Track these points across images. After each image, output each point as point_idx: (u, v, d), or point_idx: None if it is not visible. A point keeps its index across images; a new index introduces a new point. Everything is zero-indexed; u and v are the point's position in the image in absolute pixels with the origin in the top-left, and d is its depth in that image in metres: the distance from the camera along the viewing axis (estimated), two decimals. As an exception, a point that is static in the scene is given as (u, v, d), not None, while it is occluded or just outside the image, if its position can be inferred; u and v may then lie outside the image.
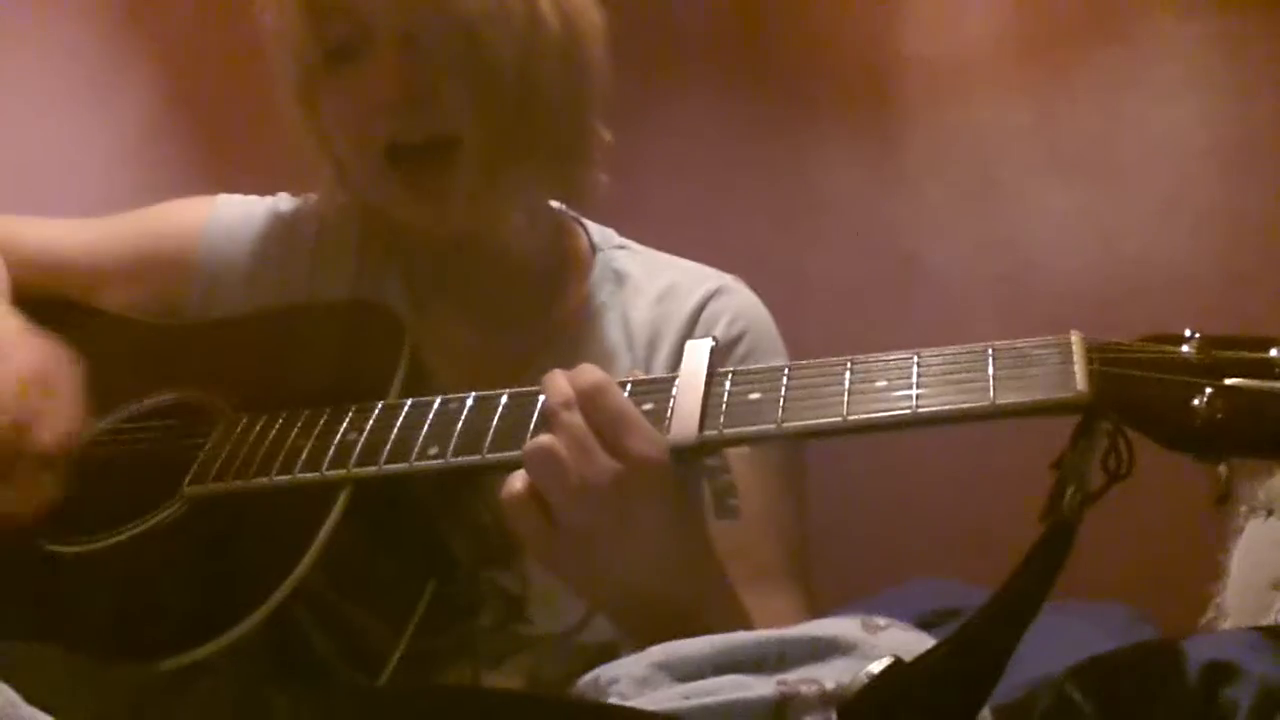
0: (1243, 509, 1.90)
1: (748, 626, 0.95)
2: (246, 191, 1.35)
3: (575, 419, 0.89)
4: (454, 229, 1.18)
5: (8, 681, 0.78)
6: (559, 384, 0.92)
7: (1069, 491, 0.76)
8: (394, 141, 1.12)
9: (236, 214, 1.29)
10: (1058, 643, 0.91)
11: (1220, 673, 0.79)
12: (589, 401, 0.89)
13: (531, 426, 0.93)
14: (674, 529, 0.91)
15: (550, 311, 1.24)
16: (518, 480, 0.90)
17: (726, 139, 2.45)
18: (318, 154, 1.21)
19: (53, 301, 1.22)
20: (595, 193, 1.24)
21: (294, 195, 1.33)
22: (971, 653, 0.76)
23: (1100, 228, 2.39)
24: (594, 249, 1.28)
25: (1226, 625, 1.82)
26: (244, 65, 2.35)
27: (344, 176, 1.20)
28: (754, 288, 1.28)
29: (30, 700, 0.79)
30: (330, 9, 1.12)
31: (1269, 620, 1.76)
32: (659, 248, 1.32)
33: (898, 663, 0.75)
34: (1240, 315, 2.17)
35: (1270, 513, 1.88)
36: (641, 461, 0.88)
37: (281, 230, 1.28)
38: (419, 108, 1.11)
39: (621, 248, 1.29)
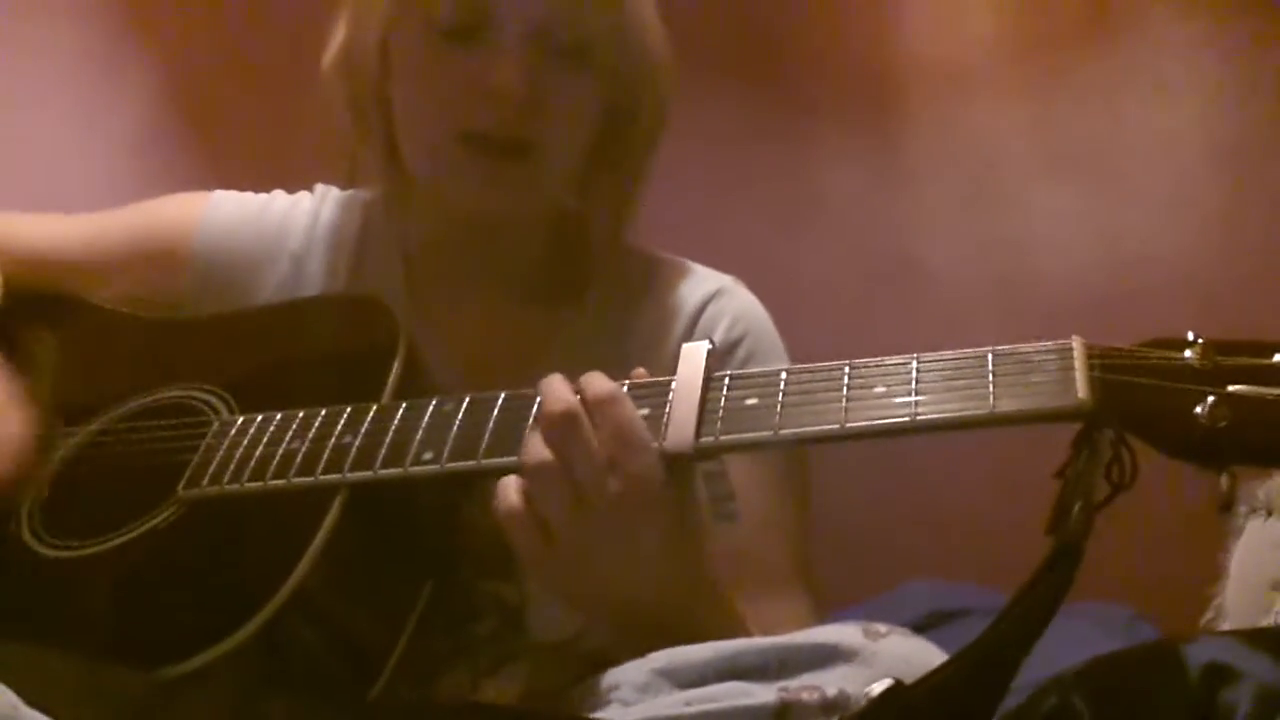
0: (1243, 509, 1.90)
1: (745, 634, 0.94)
2: (245, 191, 1.35)
3: (578, 432, 0.88)
4: (510, 219, 1.19)
5: (7, 684, 0.78)
6: (559, 391, 0.91)
7: (1075, 509, 0.75)
8: (478, 131, 1.13)
9: (232, 209, 1.29)
10: (1058, 644, 0.91)
11: (1220, 674, 0.79)
12: (599, 410, 0.88)
13: (528, 430, 0.93)
14: (672, 541, 0.90)
15: (551, 308, 1.24)
16: (513, 493, 0.89)
17: (725, 139, 2.45)
18: (368, 130, 1.20)
19: (46, 296, 1.22)
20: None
21: (290, 192, 1.33)
22: (976, 676, 0.75)
23: (1100, 228, 2.39)
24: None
25: (1226, 625, 1.82)
26: (244, 65, 2.36)
27: (392, 155, 1.20)
28: (753, 288, 1.28)
29: (30, 704, 0.78)
30: None
31: (1269, 621, 1.76)
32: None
33: (897, 685, 0.75)
34: (1241, 315, 2.16)
35: (1270, 513, 1.88)
36: (645, 479, 0.87)
37: (277, 225, 1.28)
38: (524, 109, 1.11)
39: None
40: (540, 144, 1.13)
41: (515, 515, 0.88)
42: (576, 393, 0.90)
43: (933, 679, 0.76)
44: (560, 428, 0.88)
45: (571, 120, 1.15)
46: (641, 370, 0.95)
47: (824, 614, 1.11)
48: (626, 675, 0.85)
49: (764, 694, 0.79)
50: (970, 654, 0.75)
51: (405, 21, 1.15)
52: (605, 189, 1.22)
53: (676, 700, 0.81)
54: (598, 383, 0.90)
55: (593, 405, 0.88)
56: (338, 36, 1.23)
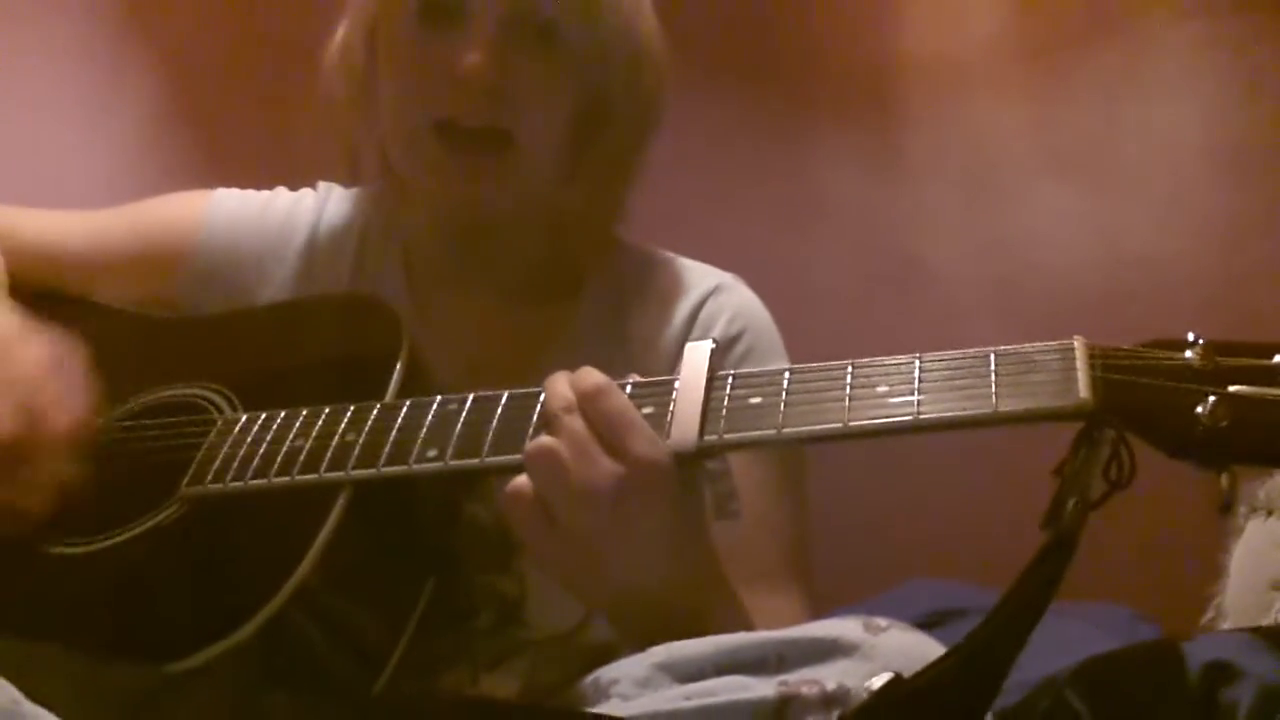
0: (1243, 509, 1.90)
1: (750, 630, 0.95)
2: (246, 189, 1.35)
3: (576, 422, 0.89)
4: (492, 213, 1.19)
5: (9, 679, 0.79)
6: (559, 387, 0.91)
7: (1070, 503, 0.75)
8: (450, 120, 1.13)
9: (234, 207, 1.29)
10: (1058, 643, 0.91)
11: (1220, 673, 0.79)
12: (589, 403, 0.89)
13: (530, 428, 0.93)
14: (675, 532, 0.90)
15: (549, 306, 1.24)
16: (519, 481, 0.90)
17: (725, 139, 2.45)
18: (363, 125, 1.21)
19: (48, 295, 1.22)
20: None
21: (292, 190, 1.33)
22: (972, 667, 0.75)
23: (1100, 228, 2.39)
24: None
25: (1226, 625, 1.83)
26: (244, 66, 2.36)
27: (386, 152, 1.20)
28: (754, 288, 1.28)
29: (32, 699, 0.79)
30: None
31: (1269, 620, 1.76)
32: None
33: (897, 679, 0.75)
34: (1241, 316, 2.17)
35: (1270, 513, 1.88)
36: (642, 463, 0.88)
37: (280, 223, 1.28)
38: (494, 96, 1.12)
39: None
40: (515, 134, 1.13)
41: (518, 501, 0.89)
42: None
43: (929, 672, 0.76)
44: (554, 421, 0.89)
45: (547, 108, 1.15)
46: (635, 375, 0.96)
47: (821, 612, 1.12)
48: (626, 669, 0.85)
49: (764, 688, 0.80)
50: (965, 648, 0.76)
51: (389, 10, 1.16)
52: (591, 183, 1.21)
53: (676, 694, 0.81)
54: (588, 377, 0.91)
55: (583, 398, 0.89)
56: (340, 32, 1.23)
